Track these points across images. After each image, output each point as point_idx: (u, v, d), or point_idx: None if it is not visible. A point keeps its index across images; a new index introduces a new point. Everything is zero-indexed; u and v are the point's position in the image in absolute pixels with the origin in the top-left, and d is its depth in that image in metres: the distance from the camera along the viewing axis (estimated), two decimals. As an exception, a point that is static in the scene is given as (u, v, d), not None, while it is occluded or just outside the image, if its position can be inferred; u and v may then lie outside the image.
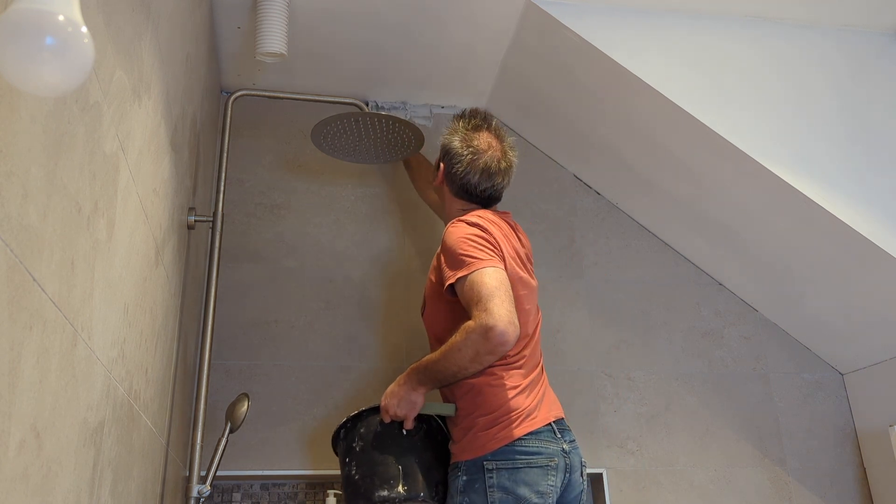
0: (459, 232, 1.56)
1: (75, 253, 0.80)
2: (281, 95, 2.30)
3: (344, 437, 1.61)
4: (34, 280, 0.68)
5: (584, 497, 1.59)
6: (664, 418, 2.21)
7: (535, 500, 1.44)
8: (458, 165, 1.69)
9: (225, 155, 2.02)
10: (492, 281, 1.45)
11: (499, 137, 1.74)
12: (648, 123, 2.10)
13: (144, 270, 1.18)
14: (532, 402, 1.53)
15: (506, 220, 1.69)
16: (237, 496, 1.94)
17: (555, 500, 1.48)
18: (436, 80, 2.35)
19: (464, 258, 1.51)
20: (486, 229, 1.57)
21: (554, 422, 1.54)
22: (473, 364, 1.44)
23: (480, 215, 1.62)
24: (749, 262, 2.28)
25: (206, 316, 1.76)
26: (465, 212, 1.67)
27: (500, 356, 1.45)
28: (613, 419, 2.18)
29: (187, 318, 1.73)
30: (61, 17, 0.54)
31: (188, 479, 1.59)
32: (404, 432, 1.56)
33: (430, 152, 2.07)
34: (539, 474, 1.46)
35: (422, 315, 1.75)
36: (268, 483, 1.97)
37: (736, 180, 2.05)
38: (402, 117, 2.07)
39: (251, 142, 2.31)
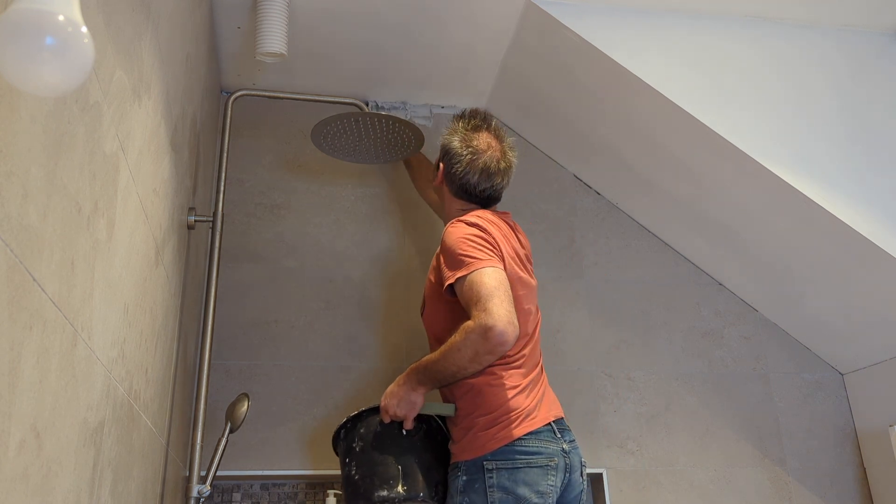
0: (458, 232, 1.56)
1: (75, 253, 0.80)
2: (281, 95, 2.30)
3: (344, 438, 1.61)
4: (34, 280, 0.68)
5: (584, 497, 1.59)
6: (664, 418, 2.21)
7: (535, 500, 1.44)
8: (458, 165, 1.70)
9: (225, 155, 2.02)
10: (491, 281, 1.45)
11: (498, 138, 1.74)
12: (648, 123, 2.10)
13: (144, 270, 1.18)
14: (532, 401, 1.53)
15: (505, 221, 1.69)
16: (237, 496, 1.94)
17: (555, 499, 1.48)
18: (436, 80, 2.36)
19: (463, 258, 1.51)
20: (486, 229, 1.57)
21: (554, 421, 1.54)
22: (473, 364, 1.44)
23: (479, 215, 1.62)
24: (749, 262, 2.28)
25: (206, 316, 1.76)
26: (465, 212, 1.67)
27: (499, 356, 1.45)
28: (613, 419, 2.18)
29: (187, 318, 1.73)
30: (61, 17, 0.54)
31: (188, 479, 1.59)
32: (404, 432, 1.56)
33: (430, 152, 2.07)
34: (539, 474, 1.46)
35: (421, 315, 1.75)
36: (268, 483, 1.97)
37: (736, 180, 2.05)
38: (402, 117, 2.07)
39: (251, 142, 2.31)
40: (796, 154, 1.97)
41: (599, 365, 2.24)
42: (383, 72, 2.30)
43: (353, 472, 1.55)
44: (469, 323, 1.42)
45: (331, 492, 1.92)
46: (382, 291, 2.21)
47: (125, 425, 1.10)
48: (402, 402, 1.53)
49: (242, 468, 1.92)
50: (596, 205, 2.46)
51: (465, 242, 1.53)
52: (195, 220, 1.68)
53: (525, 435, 1.48)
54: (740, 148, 1.93)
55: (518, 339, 1.49)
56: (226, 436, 1.63)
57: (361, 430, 1.58)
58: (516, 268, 1.59)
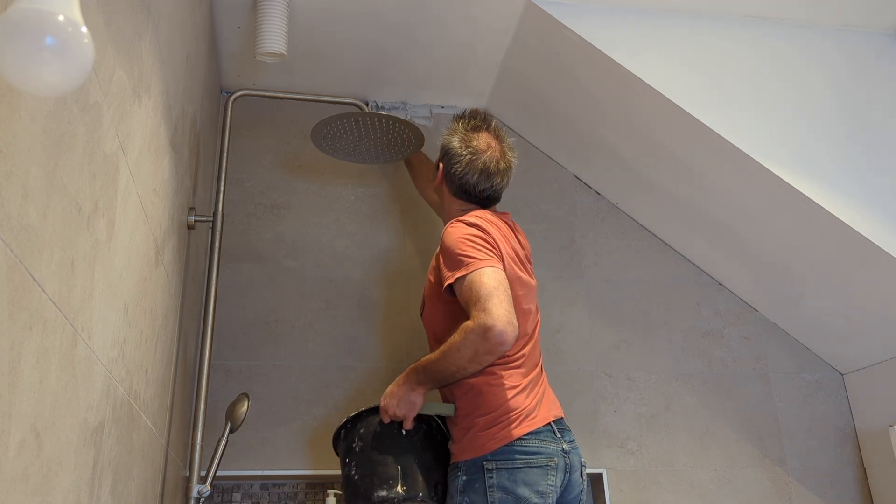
0: (458, 232, 1.57)
1: (75, 253, 0.80)
2: (281, 95, 2.30)
3: (344, 438, 1.61)
4: (34, 280, 0.68)
5: (584, 497, 1.59)
6: (664, 418, 2.21)
7: (535, 500, 1.44)
8: (457, 165, 1.70)
9: (225, 155, 2.02)
10: (490, 281, 1.45)
11: (498, 138, 1.74)
12: (648, 123, 2.10)
13: (144, 270, 1.18)
14: (531, 401, 1.53)
15: (504, 221, 1.69)
16: (237, 496, 1.94)
17: (555, 499, 1.48)
18: (436, 80, 2.36)
19: (462, 258, 1.51)
20: (485, 229, 1.57)
21: (553, 421, 1.54)
22: (472, 364, 1.44)
23: (479, 215, 1.62)
24: (749, 262, 2.28)
25: (206, 316, 1.76)
26: (464, 212, 1.67)
27: (498, 356, 1.45)
28: (613, 419, 2.18)
29: (187, 318, 1.73)
30: (61, 17, 0.54)
31: (188, 479, 1.59)
32: (404, 432, 1.56)
33: (431, 152, 2.07)
34: (539, 474, 1.46)
35: (421, 315, 1.75)
36: (268, 483, 1.97)
37: (736, 180, 2.05)
38: (402, 117, 2.07)
39: (251, 142, 2.31)
40: (796, 154, 1.97)
41: (599, 365, 2.24)
42: (383, 72, 2.30)
43: (353, 472, 1.55)
44: (468, 323, 1.43)
45: (331, 492, 1.92)
46: (382, 291, 2.21)
47: (125, 425, 1.10)
48: (402, 402, 1.53)
49: (242, 468, 1.92)
50: (596, 205, 2.46)
51: (464, 242, 1.53)
52: (195, 220, 1.68)
53: (525, 435, 1.48)
54: (740, 148, 1.93)
55: (518, 338, 1.49)
56: (226, 436, 1.63)
57: (361, 431, 1.58)
58: (516, 268, 1.60)
